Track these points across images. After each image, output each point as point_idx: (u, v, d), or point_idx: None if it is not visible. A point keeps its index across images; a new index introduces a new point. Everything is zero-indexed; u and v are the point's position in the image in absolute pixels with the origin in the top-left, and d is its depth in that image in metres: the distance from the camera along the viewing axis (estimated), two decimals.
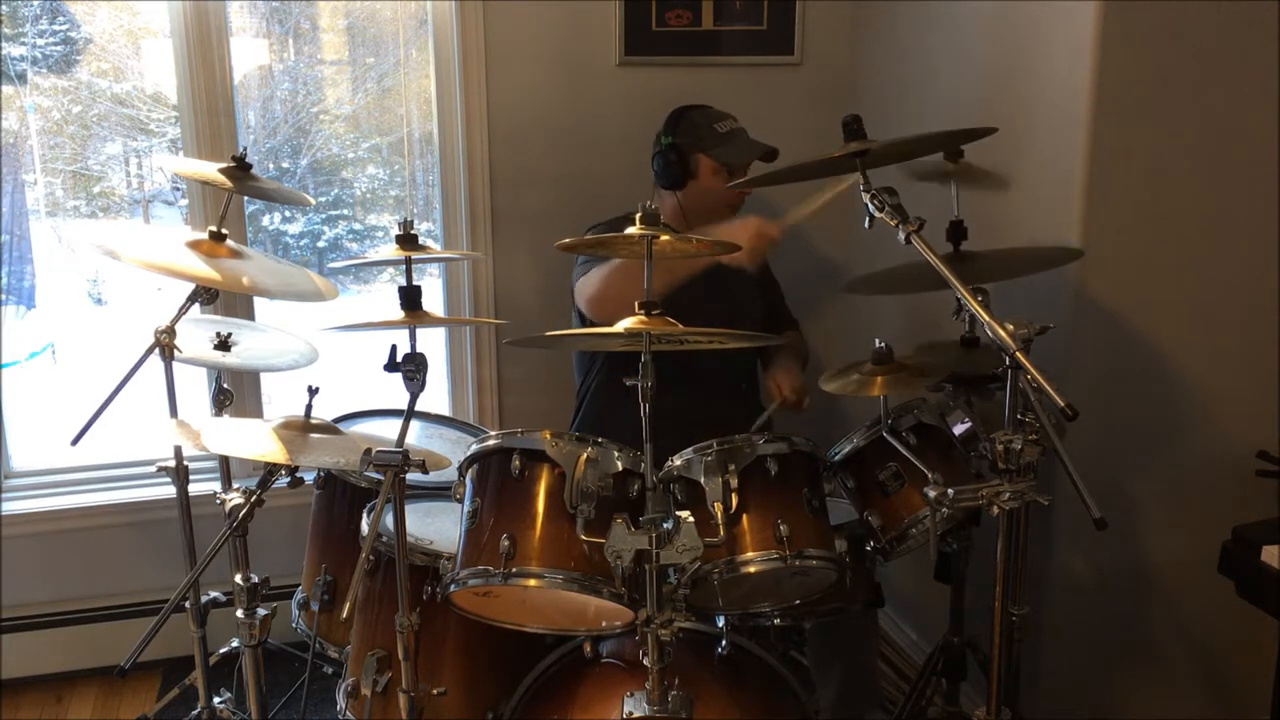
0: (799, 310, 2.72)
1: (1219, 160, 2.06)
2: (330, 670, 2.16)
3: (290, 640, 2.39)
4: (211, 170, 2.00)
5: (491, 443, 1.71)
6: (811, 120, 2.92)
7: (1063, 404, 1.35)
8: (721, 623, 1.84)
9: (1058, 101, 2.10)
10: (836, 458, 1.90)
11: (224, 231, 1.94)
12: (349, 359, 2.53)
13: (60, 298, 3.32)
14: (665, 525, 1.49)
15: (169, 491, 2.18)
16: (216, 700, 2.25)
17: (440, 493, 2.09)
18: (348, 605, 1.48)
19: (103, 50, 2.91)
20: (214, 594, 2.28)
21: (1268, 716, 1.96)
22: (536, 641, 1.88)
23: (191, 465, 2.16)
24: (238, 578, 1.88)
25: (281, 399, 2.93)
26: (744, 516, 1.68)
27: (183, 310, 1.92)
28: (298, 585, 2.26)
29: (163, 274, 1.84)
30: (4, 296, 2.93)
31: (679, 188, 2.41)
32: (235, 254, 1.94)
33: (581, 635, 1.79)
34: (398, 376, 1.61)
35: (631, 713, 1.60)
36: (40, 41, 2.84)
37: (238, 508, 1.72)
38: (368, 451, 1.53)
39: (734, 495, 1.67)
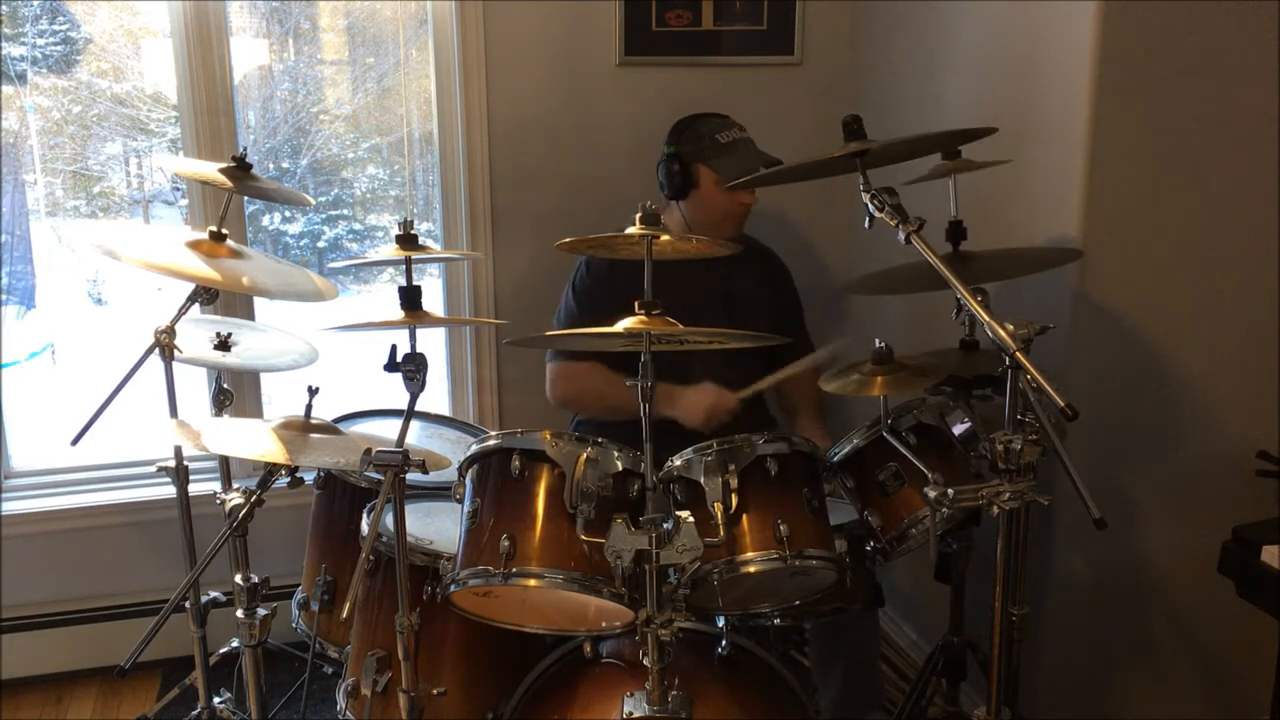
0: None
1: (1219, 160, 2.06)
2: (330, 670, 2.16)
3: (290, 640, 2.39)
4: (211, 170, 2.00)
5: (491, 443, 1.71)
6: (811, 120, 2.93)
7: (1063, 404, 1.35)
8: (721, 623, 1.84)
9: (1058, 101, 2.10)
10: (836, 458, 1.90)
11: (224, 231, 1.94)
12: (349, 359, 2.53)
13: (60, 298, 3.32)
14: (665, 525, 1.49)
15: (169, 491, 2.18)
16: (216, 700, 2.25)
17: (440, 493, 2.09)
18: (348, 605, 1.48)
19: (103, 50, 2.91)
20: (214, 594, 2.28)
21: (1268, 716, 1.96)
22: (536, 641, 1.88)
23: (191, 465, 2.16)
24: (238, 578, 1.88)
25: (281, 399, 2.93)
26: (744, 516, 1.68)
27: (183, 310, 1.92)
28: (298, 585, 2.26)
29: (163, 274, 1.84)
30: (4, 296, 2.93)
31: (683, 198, 2.41)
32: (235, 254, 1.94)
33: (581, 635, 1.79)
34: (398, 376, 1.61)
35: (631, 713, 1.60)
36: (40, 41, 2.84)
37: (238, 508, 1.72)
38: (368, 451, 1.53)
39: (734, 495, 1.67)
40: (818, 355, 2.41)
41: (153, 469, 2.20)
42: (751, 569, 1.65)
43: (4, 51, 2.73)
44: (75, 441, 1.86)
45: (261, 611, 1.87)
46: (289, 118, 3.06)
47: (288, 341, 2.23)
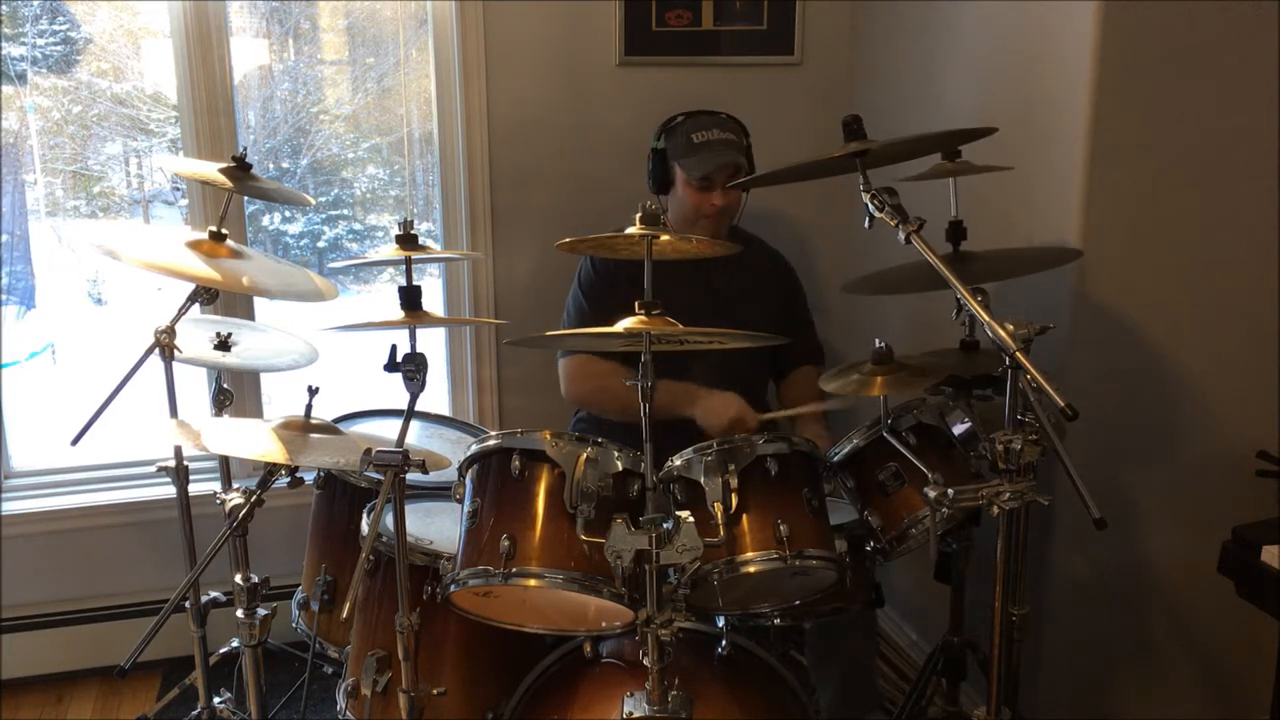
0: None
1: (1219, 160, 2.06)
2: (330, 670, 2.16)
3: (290, 640, 2.39)
4: (211, 170, 2.00)
5: (491, 443, 1.71)
6: (811, 120, 2.93)
7: (1063, 404, 1.34)
8: (721, 623, 1.84)
9: (1058, 102, 2.10)
10: (836, 458, 1.90)
11: (224, 231, 1.94)
12: (349, 359, 2.53)
13: (60, 298, 3.32)
14: (665, 525, 1.49)
15: (169, 491, 2.18)
16: (216, 700, 2.25)
17: (440, 493, 2.09)
18: (348, 605, 1.48)
19: (103, 50, 2.91)
20: (214, 594, 2.28)
21: (1268, 716, 1.96)
22: (536, 641, 1.88)
23: (191, 465, 2.16)
24: (238, 578, 1.88)
25: (281, 399, 2.93)
26: (744, 516, 1.68)
27: (183, 310, 1.92)
28: (298, 585, 2.26)
29: (163, 274, 1.84)
30: (4, 296, 2.93)
31: (664, 193, 2.42)
32: (235, 254, 1.94)
33: (581, 635, 1.79)
34: (398, 376, 1.61)
35: (631, 713, 1.60)
36: (40, 41, 2.84)
37: (238, 508, 1.72)
38: (368, 451, 1.53)
39: (734, 495, 1.67)
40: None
41: (153, 469, 2.20)
42: (751, 569, 1.65)
43: (4, 51, 2.73)
44: (75, 441, 1.86)
45: (261, 611, 1.87)
46: (289, 118, 3.06)
47: (288, 341, 2.23)
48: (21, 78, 2.80)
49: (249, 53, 2.89)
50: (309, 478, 2.17)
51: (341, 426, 1.80)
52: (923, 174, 1.99)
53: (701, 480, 1.69)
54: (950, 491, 1.52)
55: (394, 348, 1.62)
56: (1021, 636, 1.72)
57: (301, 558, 2.25)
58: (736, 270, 2.36)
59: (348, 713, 1.87)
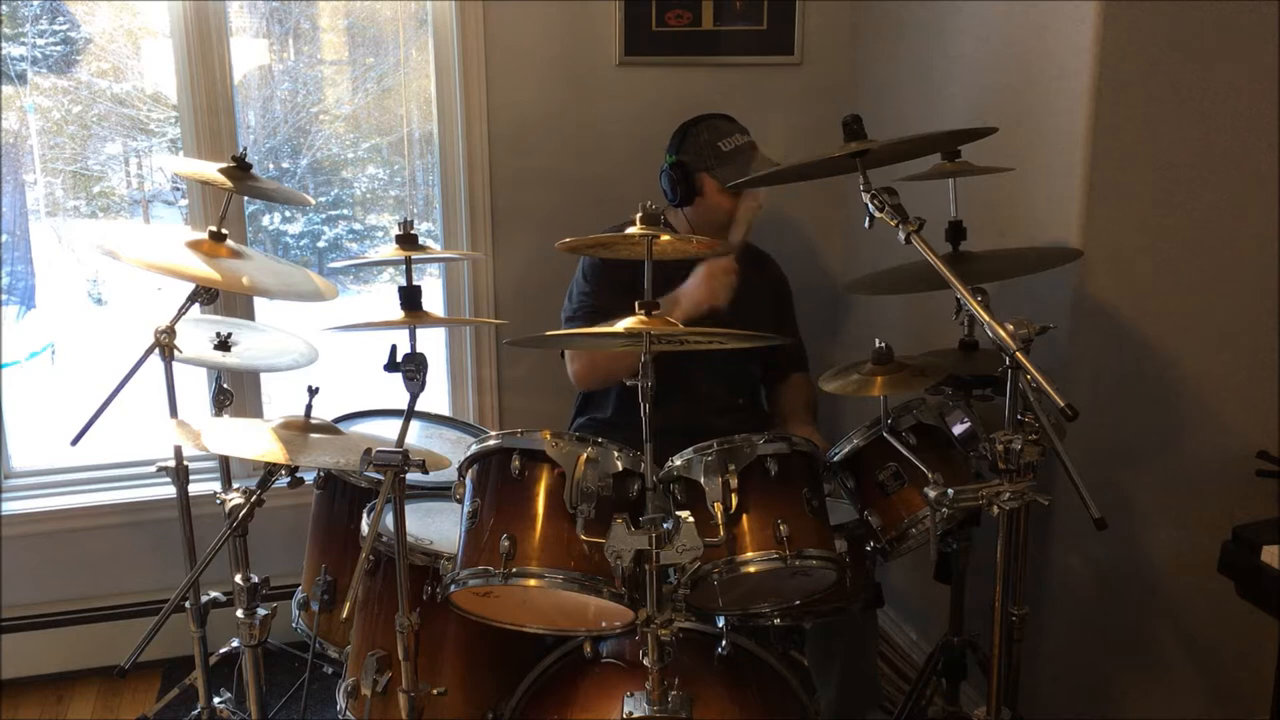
0: (799, 312, 2.72)
1: (1219, 160, 2.06)
2: (330, 670, 2.16)
3: (290, 640, 2.39)
4: (211, 170, 2.00)
5: (491, 443, 1.71)
6: (811, 120, 2.92)
7: (1063, 404, 1.35)
8: (721, 623, 1.84)
9: (1057, 102, 2.10)
10: (836, 458, 1.90)
11: (224, 231, 1.94)
12: (349, 359, 2.53)
13: (60, 298, 3.32)
14: (665, 525, 1.49)
15: (169, 491, 2.18)
16: (216, 700, 2.25)
17: (440, 493, 2.09)
18: (348, 605, 1.48)
19: (103, 50, 2.91)
20: (214, 594, 2.28)
21: (1267, 716, 1.96)
22: (536, 641, 1.88)
23: (191, 465, 2.16)
24: (238, 578, 1.88)
25: (281, 399, 2.93)
26: (744, 516, 1.68)
27: (183, 310, 1.92)
28: (298, 585, 2.26)
29: (163, 274, 1.84)
30: (4, 296, 2.93)
31: (687, 204, 2.41)
32: (235, 254, 1.94)
33: (581, 635, 1.79)
34: (398, 376, 1.61)
35: (631, 713, 1.60)
36: (40, 41, 2.84)
37: (238, 508, 1.72)
38: (368, 451, 1.53)
39: (734, 495, 1.67)
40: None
41: (153, 469, 2.20)
42: (751, 569, 1.65)
43: (4, 51, 2.73)
44: (75, 441, 1.86)
45: (261, 611, 1.88)
46: (289, 118, 3.06)
47: (288, 341, 2.23)
48: (21, 78, 2.80)
49: (249, 53, 2.89)
50: (309, 478, 2.17)
51: (341, 426, 1.80)
52: (923, 174, 1.99)
53: (701, 480, 1.69)
54: (950, 491, 1.52)
55: (394, 348, 1.62)
56: (1021, 636, 1.72)
57: (301, 558, 2.25)
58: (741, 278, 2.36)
59: (348, 713, 1.87)
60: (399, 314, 1.64)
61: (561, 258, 1.98)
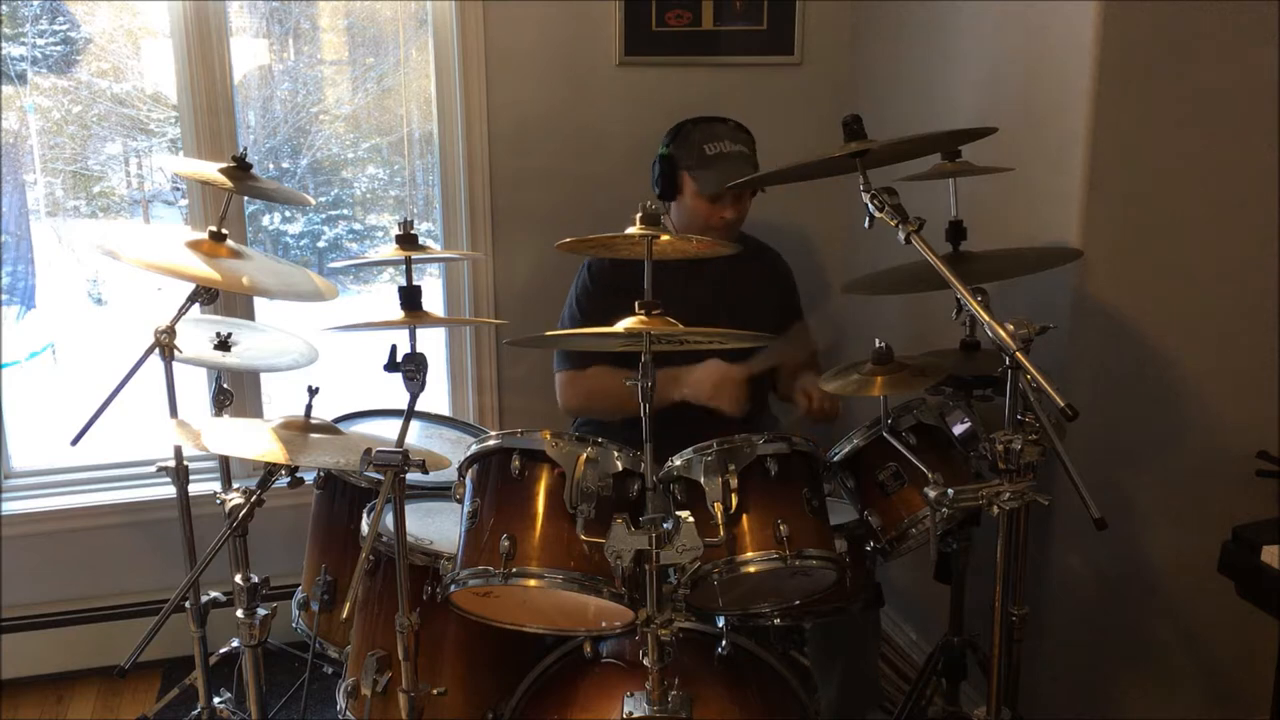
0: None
1: (1219, 160, 2.06)
2: (330, 670, 2.16)
3: (290, 640, 2.39)
4: (211, 170, 2.00)
5: (491, 443, 1.71)
6: (811, 120, 2.92)
7: (1063, 404, 1.35)
8: (721, 623, 1.84)
9: (1058, 102, 2.10)
10: (836, 458, 1.90)
11: (224, 231, 1.94)
12: (349, 359, 2.53)
13: (60, 298, 3.32)
14: (665, 525, 1.49)
15: (169, 491, 2.18)
16: (216, 700, 2.25)
17: (440, 493, 2.09)
18: (348, 605, 1.48)
19: (103, 50, 2.91)
20: (214, 594, 2.28)
21: (1268, 716, 1.96)
22: (536, 641, 1.88)
23: (191, 465, 2.16)
24: (238, 578, 1.88)
25: (281, 399, 2.93)
26: (744, 516, 1.68)
27: (183, 310, 1.92)
28: (298, 585, 2.26)
29: (163, 274, 1.84)
30: (4, 296, 2.93)
31: (669, 199, 2.40)
32: (235, 254, 1.94)
33: (581, 635, 1.79)
34: (398, 376, 1.61)
35: (631, 713, 1.60)
36: (40, 41, 2.84)
37: (238, 508, 1.72)
38: (368, 451, 1.53)
39: (734, 495, 1.67)
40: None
41: (153, 469, 2.20)
42: (751, 569, 1.65)
43: (4, 51, 2.73)
44: (75, 441, 1.86)
45: (261, 611, 1.87)
46: (289, 118, 3.06)
47: (288, 341, 2.23)
48: (21, 78, 2.80)
49: (249, 53, 2.89)
50: (309, 478, 2.17)
51: (341, 426, 1.80)
52: (923, 174, 1.99)
53: (701, 480, 1.69)
54: (950, 491, 1.52)
55: (394, 348, 1.62)
56: (1021, 636, 1.72)
57: (301, 558, 2.25)
58: (734, 268, 2.36)
59: (348, 713, 1.87)
60: (399, 314, 1.64)
61: (561, 258, 1.98)
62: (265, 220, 3.31)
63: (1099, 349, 2.13)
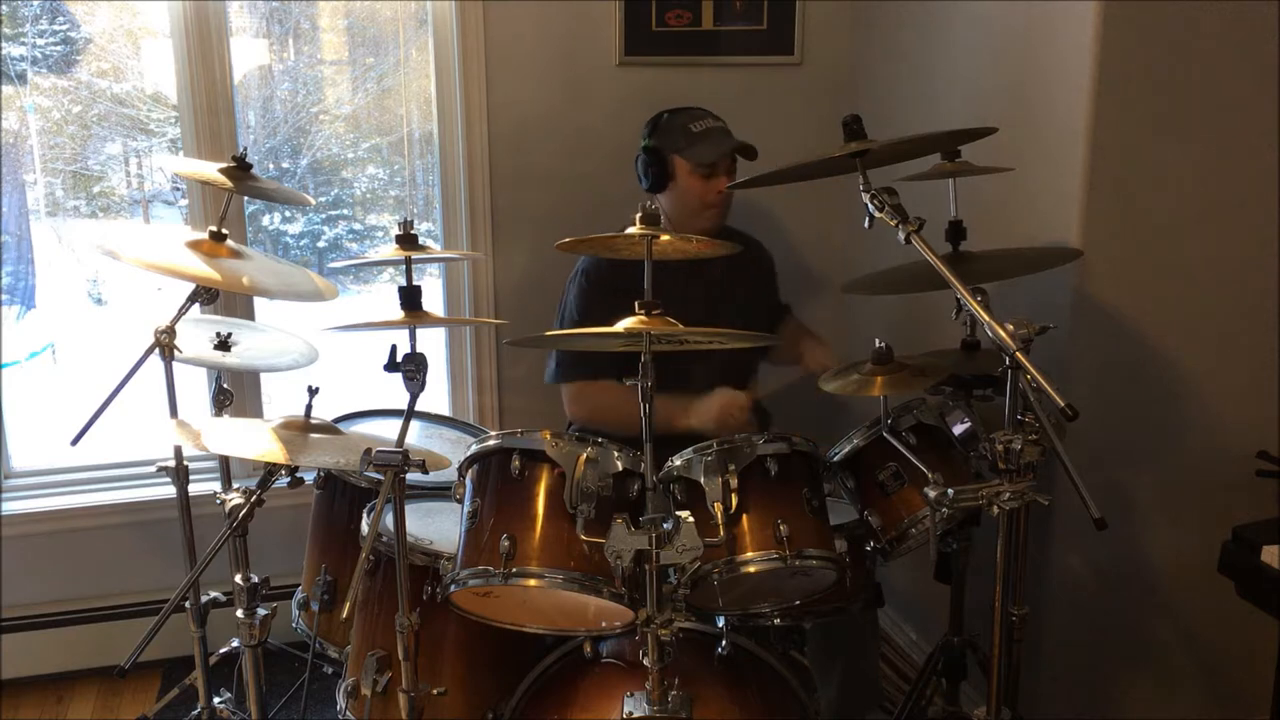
0: (799, 311, 2.72)
1: (1219, 160, 2.06)
2: (330, 670, 2.16)
3: (290, 640, 2.39)
4: (211, 170, 2.00)
5: (491, 443, 1.71)
6: (811, 120, 2.93)
7: (1063, 404, 1.35)
8: (721, 623, 1.84)
9: (1058, 102, 2.10)
10: (836, 458, 1.90)
11: (224, 231, 1.94)
12: (349, 359, 2.53)
13: (60, 298, 3.32)
14: (665, 525, 1.49)
15: (169, 491, 2.18)
16: (216, 700, 2.25)
17: (440, 493, 2.09)
18: (348, 605, 1.48)
19: (103, 50, 2.91)
20: (214, 594, 2.28)
21: (1268, 716, 1.96)
22: (536, 641, 1.88)
23: (191, 465, 2.16)
24: (238, 578, 1.88)
25: (281, 399, 2.93)
26: (744, 516, 1.68)
27: (183, 310, 1.92)
28: (298, 585, 2.26)
29: (163, 274, 1.84)
30: (4, 296, 2.93)
31: (660, 190, 2.40)
32: (235, 254, 1.94)
33: (581, 635, 1.79)
34: (398, 376, 1.61)
35: (631, 713, 1.60)
36: (40, 41, 2.84)
37: (238, 508, 1.72)
38: (368, 451, 1.53)
39: (734, 495, 1.67)
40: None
41: (153, 469, 2.20)
42: (751, 569, 1.65)
43: (4, 51, 2.73)
44: (75, 441, 1.86)
45: (261, 611, 1.88)
46: (289, 118, 3.06)
47: (288, 341, 2.23)
48: (21, 78, 2.80)
49: (249, 53, 2.89)
50: (309, 478, 2.17)
51: (341, 426, 1.80)
52: (923, 174, 1.99)
53: (701, 480, 1.69)
54: (950, 491, 1.52)
55: (394, 348, 1.62)
56: (1021, 636, 1.72)
57: (301, 558, 2.25)
58: (726, 265, 2.36)
59: (348, 713, 1.87)
60: (399, 314, 1.64)
61: (561, 258, 1.98)
62: (265, 220, 3.31)
63: (1099, 349, 2.13)
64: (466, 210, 2.85)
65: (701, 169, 2.33)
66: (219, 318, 2.33)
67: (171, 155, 2.95)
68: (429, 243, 1.78)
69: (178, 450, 2.11)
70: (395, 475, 1.54)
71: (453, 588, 1.65)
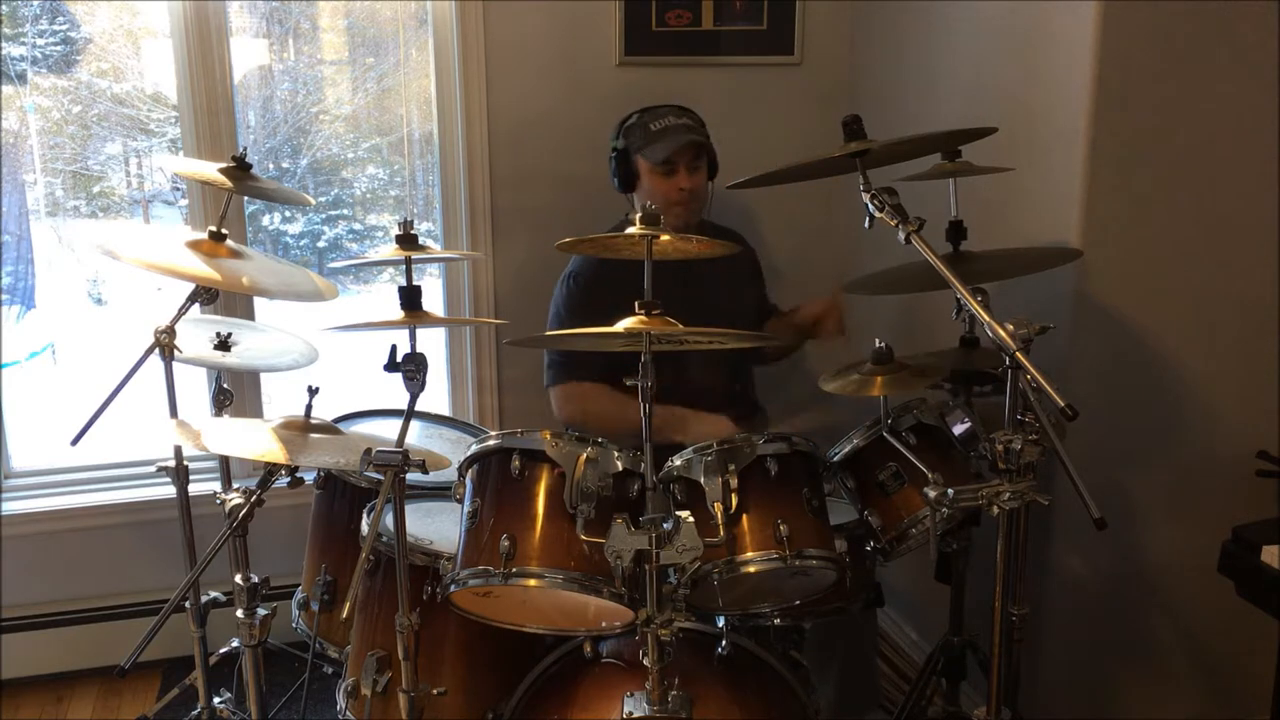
0: None
1: (1219, 160, 2.06)
2: (330, 670, 2.16)
3: (290, 640, 2.39)
4: (211, 170, 2.00)
5: (491, 443, 1.71)
6: (811, 120, 2.93)
7: (1063, 404, 1.35)
8: (721, 623, 1.84)
9: (1058, 102, 2.10)
10: (836, 458, 1.90)
11: (224, 231, 1.94)
12: (349, 359, 2.53)
13: (60, 298, 3.32)
14: (665, 525, 1.49)
15: (169, 491, 2.18)
16: (216, 700, 2.25)
17: (440, 493, 2.09)
18: (348, 605, 1.48)
19: (103, 50, 2.91)
20: (214, 594, 2.28)
21: (1268, 716, 1.96)
22: (536, 641, 1.88)
23: (191, 465, 2.16)
24: (238, 578, 1.88)
25: (281, 399, 2.93)
26: (744, 516, 1.68)
27: (183, 310, 1.92)
28: (298, 585, 2.26)
29: (163, 274, 1.84)
30: (4, 296, 2.93)
31: (631, 190, 2.42)
32: (235, 254, 1.94)
33: (581, 635, 1.78)
34: (398, 376, 1.61)
35: (631, 713, 1.60)
36: (40, 41, 2.84)
37: (238, 508, 1.72)
38: (368, 451, 1.53)
39: (734, 495, 1.67)
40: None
41: (153, 469, 2.20)
42: (751, 569, 1.65)
43: (4, 51, 2.73)
44: (75, 441, 1.86)
45: (261, 611, 1.87)
46: (289, 118, 3.06)
47: (288, 341, 2.23)
48: (21, 78, 2.80)
49: (249, 53, 2.89)
50: (309, 478, 2.17)
51: (341, 426, 1.80)
52: (923, 174, 1.99)
53: (701, 480, 1.69)
54: (950, 491, 1.52)
55: (394, 348, 1.62)
56: (1021, 636, 1.72)
57: (301, 558, 2.25)
58: (717, 264, 2.36)
59: (348, 713, 1.87)
60: (399, 314, 1.64)
61: (562, 257, 1.99)
62: (265, 220, 3.31)
63: (1099, 349, 2.13)
64: (466, 210, 2.85)
65: (661, 167, 2.33)
66: (219, 318, 2.33)
67: (171, 155, 2.95)
68: (429, 243, 1.78)
69: (178, 450, 2.11)
70: (395, 475, 1.54)
71: (453, 588, 1.65)
